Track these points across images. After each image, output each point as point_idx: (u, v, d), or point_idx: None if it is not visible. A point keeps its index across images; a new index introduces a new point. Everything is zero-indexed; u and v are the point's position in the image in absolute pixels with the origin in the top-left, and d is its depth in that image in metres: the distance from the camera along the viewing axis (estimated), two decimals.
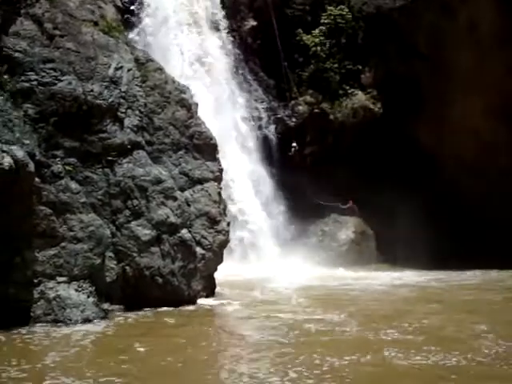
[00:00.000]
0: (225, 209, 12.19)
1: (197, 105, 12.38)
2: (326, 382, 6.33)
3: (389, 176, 17.76)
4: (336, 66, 18.66)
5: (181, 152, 11.83)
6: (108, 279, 10.21)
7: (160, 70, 12.10)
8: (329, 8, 18.83)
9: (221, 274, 12.84)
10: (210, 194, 11.87)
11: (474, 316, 9.73)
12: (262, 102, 18.49)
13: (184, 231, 10.93)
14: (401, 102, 18.01)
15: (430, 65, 17.54)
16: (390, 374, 6.68)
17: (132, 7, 17.48)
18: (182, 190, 11.63)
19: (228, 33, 18.48)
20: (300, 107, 18.45)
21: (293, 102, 18.52)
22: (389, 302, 11.28)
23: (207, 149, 12.17)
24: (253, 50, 18.83)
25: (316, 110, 18.47)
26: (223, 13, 18.50)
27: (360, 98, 18.48)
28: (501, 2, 15.84)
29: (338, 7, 18.76)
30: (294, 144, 18.19)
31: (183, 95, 12.15)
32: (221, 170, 12.31)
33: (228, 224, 12.07)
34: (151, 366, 6.96)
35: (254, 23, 18.83)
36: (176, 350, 7.60)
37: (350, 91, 18.56)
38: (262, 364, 7.02)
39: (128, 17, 17.37)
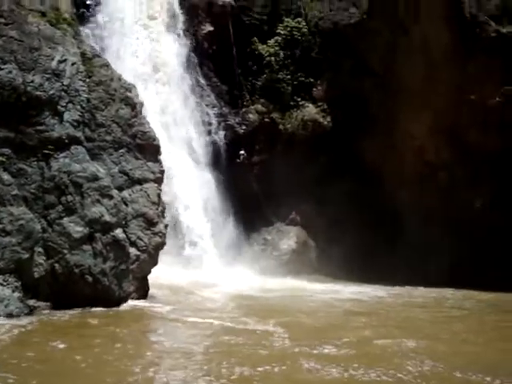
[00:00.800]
0: (163, 211, 11.98)
1: (142, 104, 12.18)
2: None
3: (334, 189, 17.81)
4: (289, 77, 18.58)
5: (122, 150, 11.62)
6: (36, 275, 9.92)
7: (106, 66, 11.87)
8: (286, 20, 18.76)
9: (159, 278, 12.71)
10: (148, 195, 11.67)
11: (407, 333, 9.67)
12: (214, 107, 18.28)
13: (118, 231, 10.70)
14: (350, 118, 18.03)
15: (380, 82, 17.59)
16: None
17: (88, 1, 17.14)
18: (121, 189, 11.42)
19: (184, 36, 18.23)
20: (251, 115, 18.33)
21: (244, 109, 18.38)
22: (325, 315, 11.21)
23: (149, 149, 11.97)
24: (208, 55, 18.62)
25: (266, 120, 18.36)
26: (181, 16, 18.25)
27: (310, 110, 18.44)
28: (452, 22, 15.94)
29: (295, 20, 18.71)
30: (243, 152, 18.07)
31: (128, 93, 11.93)
32: (162, 172, 12.12)
33: (166, 226, 11.88)
34: (54, 365, 6.76)
35: (211, 28, 18.61)
36: (87, 351, 7.38)
37: (301, 103, 18.51)
38: (168, 371, 6.84)
39: (83, 11, 17.03)
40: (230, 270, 16.00)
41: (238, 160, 18.02)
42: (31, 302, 9.71)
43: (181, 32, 18.21)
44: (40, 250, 9.93)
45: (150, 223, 11.52)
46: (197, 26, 18.64)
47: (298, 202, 17.88)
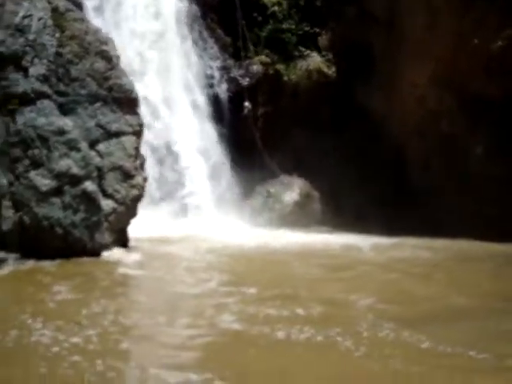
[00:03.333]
0: (142, 164, 11.92)
1: (118, 57, 12.02)
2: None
3: (339, 140, 17.50)
4: (293, 27, 18.14)
5: (98, 104, 11.52)
6: (4, 228, 10.02)
7: (81, 20, 11.74)
8: None
9: (151, 229, 12.75)
10: (125, 148, 11.59)
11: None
12: (217, 59, 18.00)
13: (88, 183, 10.67)
14: (355, 67, 17.59)
15: (384, 30, 17.05)
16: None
17: None
18: (97, 142, 11.39)
19: None
20: (254, 67, 17.98)
21: (247, 61, 18.04)
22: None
23: (127, 102, 11.84)
24: (211, 7, 18.28)
25: (270, 71, 18.00)
26: None
27: (315, 60, 18.00)
28: None
29: None
30: (247, 104, 17.78)
31: (104, 47, 11.79)
32: (140, 125, 12.02)
33: (144, 179, 11.83)
34: None
35: None
36: (26, 301, 7.44)
37: (305, 53, 18.07)
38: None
39: None
40: (231, 222, 15.92)
41: (242, 113, 17.77)
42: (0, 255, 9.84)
43: None
44: (7, 203, 10.00)
45: (127, 176, 11.48)
46: None
47: (302, 154, 17.61)
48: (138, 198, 11.59)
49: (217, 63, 17.95)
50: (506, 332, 7.23)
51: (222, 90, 17.82)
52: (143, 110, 15.92)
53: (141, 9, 17.24)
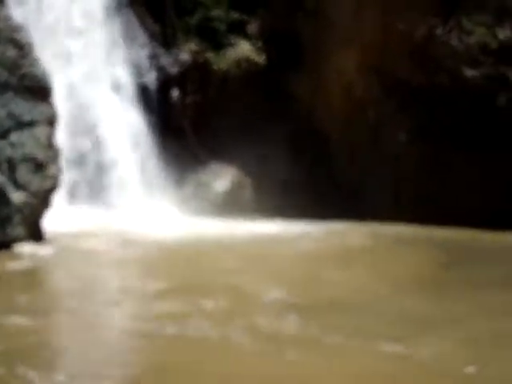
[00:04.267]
0: (57, 154, 11.43)
1: (31, 45, 11.49)
2: None
3: (269, 128, 17.23)
4: (223, 15, 17.73)
5: (9, 93, 11.05)
6: None
7: None
8: None
9: (74, 222, 12.28)
10: (38, 138, 11.12)
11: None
12: (145, 48, 17.49)
13: None
14: (283, 55, 17.32)
15: (311, 18, 16.82)
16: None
17: None
18: (8, 132, 10.90)
19: None
20: (183, 55, 17.55)
21: (176, 49, 17.59)
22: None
23: (40, 91, 11.36)
24: None
25: (199, 59, 17.59)
26: None
27: (245, 48, 17.65)
28: None
29: None
30: (175, 92, 17.36)
31: (16, 34, 11.29)
32: (55, 114, 11.53)
33: (59, 170, 11.36)
34: None
35: None
36: None
37: (234, 41, 17.71)
38: None
39: None
40: (158, 210, 15.53)
41: (171, 100, 17.35)
42: None
43: None
44: None
45: (40, 167, 11.01)
46: None
47: (232, 142, 17.27)
48: (51, 190, 11.15)
49: (145, 51, 17.44)
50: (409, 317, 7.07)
51: (151, 78, 17.33)
52: (67, 99, 15.62)
53: None
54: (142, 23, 17.72)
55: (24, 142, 10.89)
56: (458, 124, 14.97)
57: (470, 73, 14.55)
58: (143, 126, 16.83)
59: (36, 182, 10.89)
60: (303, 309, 7.39)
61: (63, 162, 14.86)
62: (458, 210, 14.64)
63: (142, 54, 17.43)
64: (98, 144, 16.13)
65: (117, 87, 16.79)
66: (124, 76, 16.94)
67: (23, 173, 10.80)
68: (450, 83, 14.70)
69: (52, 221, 12.34)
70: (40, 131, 11.12)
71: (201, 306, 7.10)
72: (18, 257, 9.69)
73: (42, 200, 10.96)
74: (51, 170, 11.12)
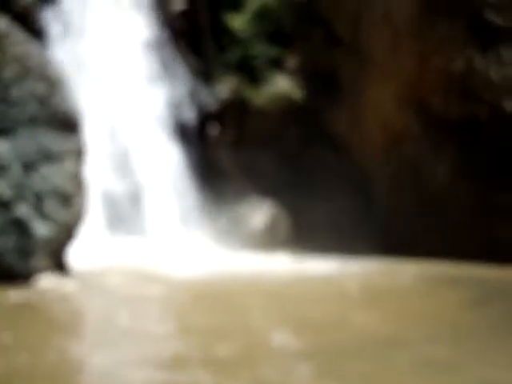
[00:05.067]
0: (84, 187, 11.34)
1: (62, 79, 11.52)
2: None
3: (306, 161, 16.95)
4: (261, 51, 17.64)
5: (39, 126, 11.04)
6: None
7: (24, 42, 11.30)
8: None
9: (111, 255, 12.13)
10: (66, 171, 11.06)
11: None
12: (185, 85, 17.49)
13: (21, 207, 10.12)
14: (320, 90, 17.07)
15: (349, 53, 16.59)
16: None
17: None
18: (36, 164, 10.88)
19: (155, 12, 17.45)
20: (222, 91, 17.48)
21: (215, 85, 17.54)
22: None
23: (69, 125, 11.34)
24: (181, 32, 17.82)
25: (237, 95, 17.49)
26: None
27: (282, 84, 17.47)
28: None
29: None
30: (215, 129, 17.25)
31: (48, 69, 11.34)
32: (84, 147, 11.48)
33: (85, 203, 11.25)
34: None
35: (183, 4, 17.82)
36: None
37: (272, 77, 17.55)
38: None
39: None
40: (192, 245, 15.28)
41: (210, 137, 17.24)
42: None
43: (151, 9, 17.45)
44: None
45: (67, 198, 10.92)
46: (168, 3, 17.87)
47: (270, 177, 17.04)
48: (77, 223, 11.02)
49: (185, 88, 17.44)
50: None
51: (190, 114, 17.29)
52: (104, 132, 15.69)
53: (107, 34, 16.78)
54: (183, 59, 17.80)
55: (52, 175, 10.85)
56: (502, 160, 14.36)
57: (509, 105, 13.97)
58: (182, 161, 16.77)
59: (62, 215, 10.80)
60: (318, 357, 6.85)
61: (99, 195, 15.38)
62: (502, 250, 13.99)
63: (182, 90, 17.46)
64: (136, 178, 16.08)
65: (156, 123, 16.78)
66: (163, 112, 16.95)
67: (50, 205, 10.73)
68: (490, 116, 14.13)
69: (83, 254, 12.29)
70: (68, 164, 11.08)
71: (206, 351, 6.66)
72: (32, 288, 9.52)
73: (68, 232, 10.85)
74: (78, 202, 11.03)
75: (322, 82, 17.08)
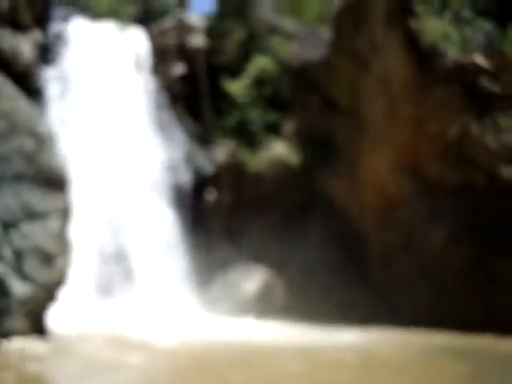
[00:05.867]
0: (67, 247, 10.90)
1: (50, 136, 11.26)
2: None
3: (302, 228, 16.49)
4: (258, 116, 17.47)
5: (24, 183, 10.73)
6: None
7: (13, 98, 11.08)
8: (256, 59, 17.76)
9: (96, 319, 11.55)
10: (49, 230, 10.66)
11: None
12: (182, 148, 17.25)
13: None
14: (318, 156, 16.80)
15: (346, 118, 16.39)
16: None
17: (56, 44, 16.52)
18: (19, 222, 10.49)
19: (154, 76, 17.40)
20: (218, 155, 17.24)
21: (212, 149, 17.29)
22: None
23: (55, 182, 11.03)
24: (179, 95, 17.74)
25: (234, 160, 17.22)
26: (151, 56, 17.46)
27: (279, 148, 17.23)
28: (410, 54, 14.56)
29: (265, 58, 17.69)
30: (211, 195, 16.92)
31: (36, 126, 11.09)
32: (70, 206, 11.10)
33: (68, 263, 10.79)
34: None
35: (183, 70, 17.80)
36: None
37: (269, 142, 17.34)
38: None
39: (51, 55, 16.44)
40: (188, 311, 14.70)
41: (206, 201, 16.87)
42: None
43: (151, 72, 17.39)
44: None
45: (48, 258, 10.47)
46: (168, 66, 17.85)
47: (265, 242, 16.54)
48: (58, 283, 10.54)
49: (181, 152, 17.19)
50: None
51: (186, 177, 16.98)
52: (98, 194, 15.36)
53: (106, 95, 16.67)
54: (180, 122, 17.62)
55: (34, 233, 10.45)
56: (501, 227, 13.88)
57: (507, 172, 13.59)
58: (175, 224, 16.36)
59: (43, 275, 10.34)
60: None
61: (89, 256, 14.92)
62: (501, 320, 13.35)
63: (179, 153, 17.20)
64: (127, 241, 15.64)
65: (152, 186, 16.45)
66: (159, 175, 16.65)
67: (30, 264, 10.29)
68: (486, 183, 13.73)
69: (66, 317, 11.76)
70: (52, 223, 10.68)
71: None
72: (3, 350, 8.95)
73: (48, 293, 10.36)
74: (60, 262, 10.57)
75: (318, 148, 16.82)
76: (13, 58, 15.20)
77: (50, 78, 16.02)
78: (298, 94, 17.47)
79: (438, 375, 9.81)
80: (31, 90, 15.28)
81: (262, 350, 11.07)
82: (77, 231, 13.35)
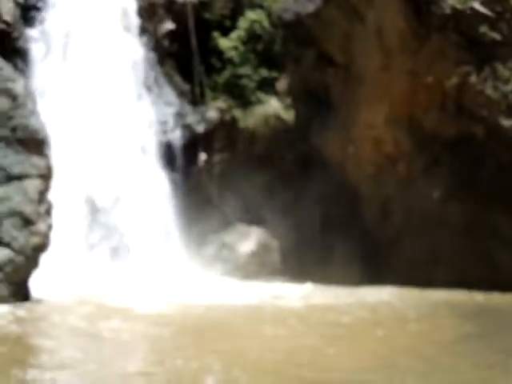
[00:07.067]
0: (48, 209, 10.36)
1: (26, 96, 10.61)
2: None
3: (299, 187, 15.88)
4: (251, 72, 16.70)
5: None
6: None
7: None
8: (247, 13, 16.93)
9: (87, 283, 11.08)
10: (27, 192, 10.11)
11: None
12: (172, 106, 16.54)
13: None
14: (312, 111, 16.08)
15: (341, 73, 15.62)
16: None
17: (38, 4, 15.72)
18: None
19: (143, 35, 16.60)
20: (210, 113, 16.52)
21: (203, 107, 16.59)
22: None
23: (33, 143, 10.46)
24: (169, 54, 16.97)
25: (227, 117, 16.53)
26: (137, 14, 16.63)
27: (273, 105, 16.52)
28: (406, 2, 13.76)
29: (257, 13, 16.86)
30: (203, 155, 16.27)
31: (9, 84, 10.46)
32: (49, 167, 10.54)
33: (49, 227, 10.25)
34: None
35: (172, 26, 16.97)
36: None
37: (263, 99, 16.60)
38: None
39: (34, 14, 15.66)
40: (181, 273, 14.20)
41: (197, 161, 16.23)
42: None
43: (138, 31, 16.58)
44: None
45: (27, 222, 9.93)
46: (156, 25, 17.01)
47: (260, 201, 15.94)
48: (40, 248, 10.02)
49: (171, 109, 16.48)
50: None
51: (176, 136, 16.31)
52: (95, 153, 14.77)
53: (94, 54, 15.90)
54: (170, 81, 16.90)
55: (10, 196, 9.91)
56: (502, 179, 13.26)
57: (507, 123, 12.90)
58: (167, 184, 15.77)
59: (22, 239, 9.81)
60: None
61: (82, 219, 14.39)
62: (499, 276, 12.86)
63: (168, 112, 16.51)
64: (119, 203, 15.09)
65: (141, 146, 15.81)
66: (149, 135, 15.99)
67: (8, 228, 9.76)
68: (486, 134, 13.07)
69: (53, 283, 11.29)
70: (29, 185, 10.11)
71: None
72: None
73: (29, 258, 9.84)
74: (39, 225, 10.03)
75: (313, 103, 16.09)
76: None
77: (33, 39, 15.29)
78: (291, 48, 16.68)
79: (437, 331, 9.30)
80: (12, 50, 14.64)
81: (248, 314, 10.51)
82: (62, 193, 12.92)
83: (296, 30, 16.52)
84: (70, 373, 5.71)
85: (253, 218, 16.03)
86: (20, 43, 14.94)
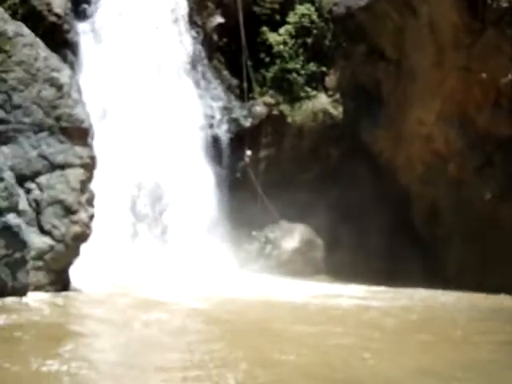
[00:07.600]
0: (89, 199, 10.30)
1: (71, 86, 10.57)
2: None
3: (345, 184, 15.50)
4: (300, 67, 16.45)
5: (43, 133, 10.13)
6: None
7: (30, 45, 10.40)
8: (297, 7, 16.67)
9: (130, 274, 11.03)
10: (69, 181, 10.06)
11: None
12: (219, 100, 16.42)
13: (10, 216, 9.08)
14: (362, 108, 15.73)
15: (393, 69, 15.24)
16: None
17: None
18: (38, 174, 9.96)
19: (191, 29, 16.53)
20: (258, 108, 16.34)
21: (251, 102, 16.40)
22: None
23: (76, 133, 10.37)
24: (218, 48, 16.88)
25: (274, 112, 16.31)
26: (188, 8, 16.56)
27: (322, 101, 16.23)
28: (460, 0, 13.28)
29: (306, 6, 16.58)
30: (249, 153, 16.07)
31: (54, 74, 10.41)
32: (92, 157, 10.47)
33: (91, 217, 10.20)
34: None
35: (221, 20, 16.86)
36: None
37: (312, 94, 16.33)
38: None
39: (85, 8, 15.75)
40: (224, 268, 14.04)
41: (244, 160, 16.03)
42: None
43: (187, 24, 16.51)
44: None
45: (69, 211, 9.90)
46: (206, 18, 16.93)
47: (306, 198, 15.65)
48: (80, 237, 9.96)
49: (219, 104, 16.35)
50: None
51: (223, 130, 16.18)
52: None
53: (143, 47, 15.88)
54: (219, 76, 16.78)
55: (53, 185, 9.87)
56: None
57: None
58: (212, 178, 15.66)
59: (62, 228, 9.78)
60: None
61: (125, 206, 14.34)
62: None
63: (215, 106, 16.37)
64: (164, 195, 15.05)
65: (188, 140, 15.71)
66: (196, 129, 15.89)
67: (49, 217, 9.74)
68: None
69: (94, 272, 11.28)
70: (72, 174, 10.08)
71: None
72: (19, 305, 8.44)
73: (69, 246, 9.80)
74: (80, 214, 9.98)
75: (362, 99, 15.74)
76: (43, 9, 14.66)
77: (83, 31, 15.38)
78: (341, 43, 16.38)
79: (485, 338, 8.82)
80: (63, 42, 14.75)
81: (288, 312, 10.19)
82: (108, 184, 12.94)
83: (346, 24, 16.21)
84: (87, 365, 5.55)
85: (297, 214, 15.74)
86: (70, 36, 15.04)
